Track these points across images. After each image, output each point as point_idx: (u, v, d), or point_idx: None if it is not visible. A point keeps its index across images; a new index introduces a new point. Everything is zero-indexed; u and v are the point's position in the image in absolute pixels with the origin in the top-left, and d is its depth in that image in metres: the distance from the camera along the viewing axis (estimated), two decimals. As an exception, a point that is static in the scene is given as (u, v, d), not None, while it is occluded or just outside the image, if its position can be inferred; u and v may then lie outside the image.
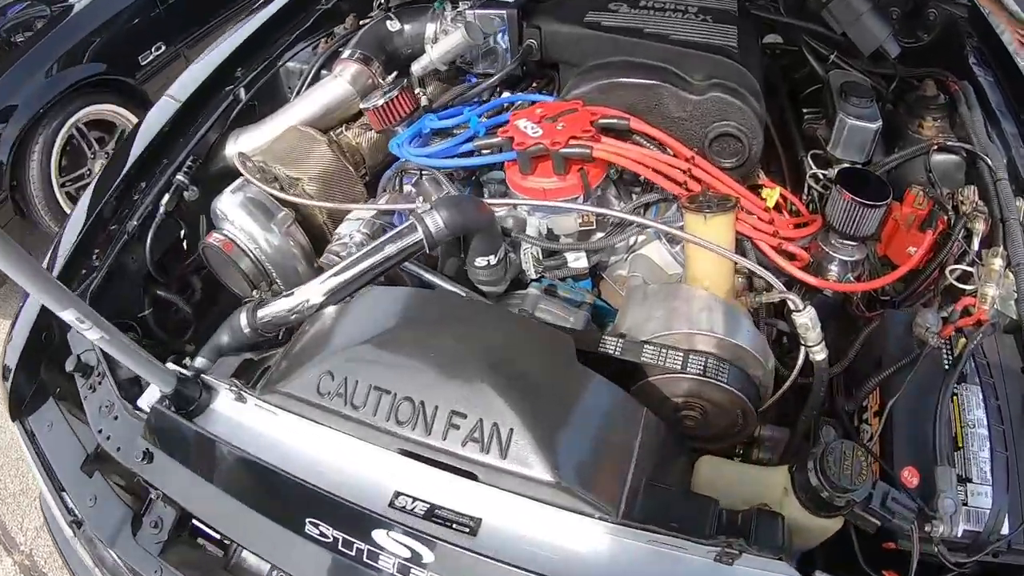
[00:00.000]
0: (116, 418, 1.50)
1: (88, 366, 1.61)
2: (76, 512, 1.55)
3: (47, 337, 1.77)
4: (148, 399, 1.46)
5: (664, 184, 1.63)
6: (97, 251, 1.92)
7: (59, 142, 4.54)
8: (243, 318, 1.58)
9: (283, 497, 1.24)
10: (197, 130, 2.17)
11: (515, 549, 1.10)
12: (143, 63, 5.10)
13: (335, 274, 1.51)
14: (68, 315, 1.10)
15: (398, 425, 1.20)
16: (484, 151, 1.77)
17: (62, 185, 4.58)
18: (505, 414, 1.15)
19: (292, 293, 1.55)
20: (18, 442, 1.72)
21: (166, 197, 1.99)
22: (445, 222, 1.47)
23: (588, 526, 1.10)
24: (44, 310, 1.76)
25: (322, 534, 1.17)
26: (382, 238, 1.53)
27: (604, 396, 1.26)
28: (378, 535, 1.14)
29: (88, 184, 4.38)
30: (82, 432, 1.61)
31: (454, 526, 1.13)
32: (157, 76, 5.11)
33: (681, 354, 1.36)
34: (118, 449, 1.45)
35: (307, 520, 1.18)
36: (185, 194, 2.04)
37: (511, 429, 1.14)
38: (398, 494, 1.18)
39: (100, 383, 1.58)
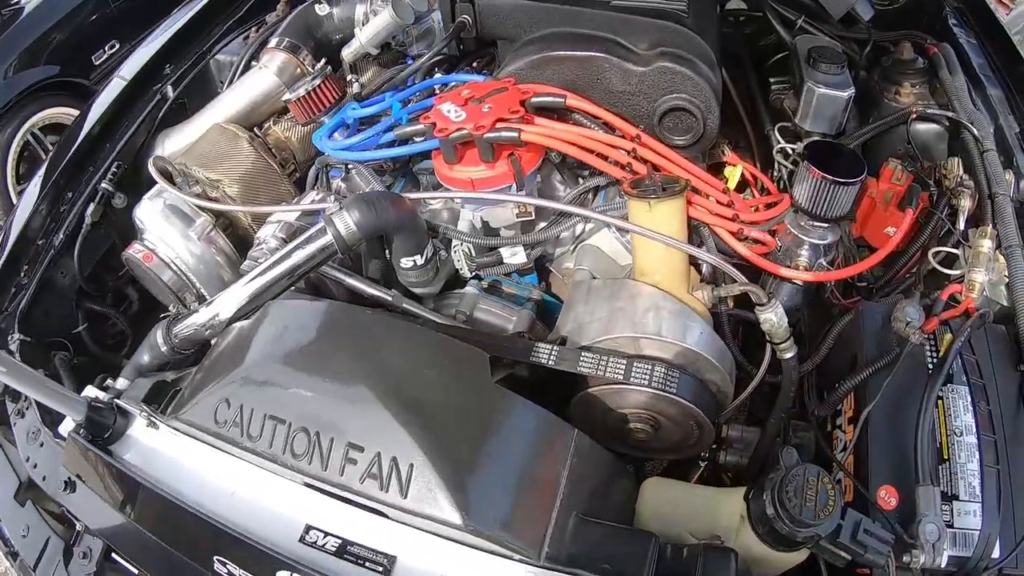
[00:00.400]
0: (42, 445, 1.53)
1: (16, 393, 1.63)
2: (11, 543, 1.55)
3: None
4: (67, 426, 1.44)
5: (605, 168, 1.49)
6: (26, 267, 1.90)
7: (15, 148, 4.52)
8: (159, 335, 1.53)
9: (192, 533, 1.20)
10: (123, 133, 2.14)
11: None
12: (97, 63, 5.06)
13: (246, 283, 1.44)
14: None
15: (294, 458, 1.14)
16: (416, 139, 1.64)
17: (20, 192, 4.45)
18: (405, 447, 1.07)
19: (203, 308, 1.50)
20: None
21: (91, 207, 1.96)
22: (357, 223, 1.36)
23: (508, 569, 1.02)
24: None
25: (229, 573, 1.13)
26: (291, 244, 1.42)
27: (526, 420, 1.15)
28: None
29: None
30: (16, 459, 1.62)
31: (367, 564, 1.07)
32: (111, 76, 5.07)
33: (624, 362, 1.23)
34: (44, 478, 1.48)
35: (215, 558, 1.14)
36: (113, 201, 2.01)
37: (411, 464, 1.05)
38: (309, 528, 1.12)
39: (27, 408, 1.60)
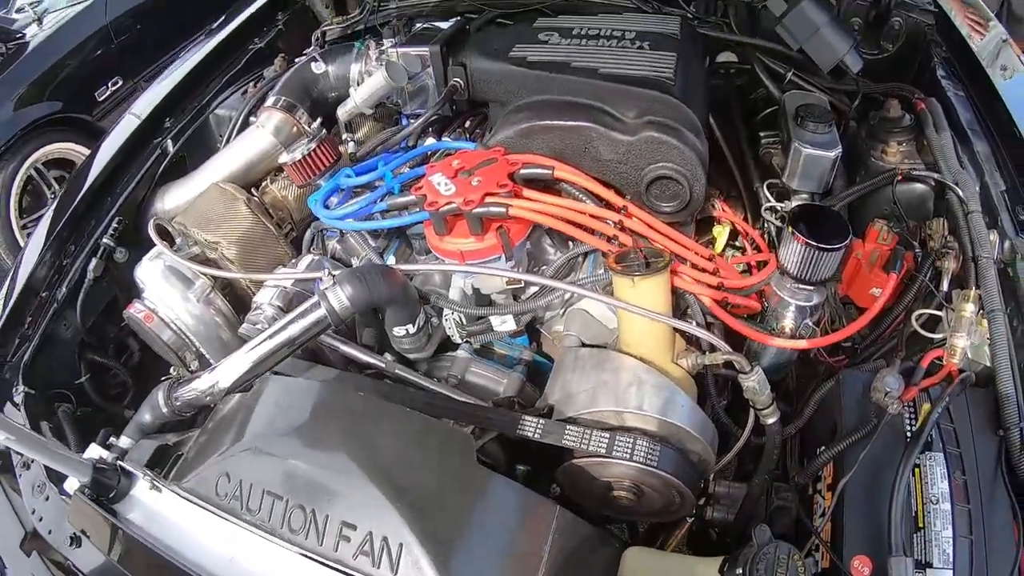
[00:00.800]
0: (47, 499, 1.59)
1: None
2: None
3: None
4: (73, 484, 1.50)
5: (591, 241, 1.57)
6: (30, 319, 1.97)
7: (18, 182, 4.64)
8: (161, 397, 1.58)
9: None
10: (124, 187, 2.21)
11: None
12: (100, 99, 5.22)
13: (244, 354, 1.51)
14: None
15: (291, 533, 1.21)
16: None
17: (23, 226, 4.67)
18: (395, 526, 1.14)
19: (206, 374, 1.56)
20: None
21: (94, 261, 2.04)
22: (350, 298, 1.46)
23: None
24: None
25: None
26: (287, 318, 1.51)
27: (508, 499, 1.23)
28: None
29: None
30: (21, 508, 1.66)
31: None
32: (114, 112, 5.22)
33: (607, 436, 1.30)
34: (49, 532, 1.54)
35: None
36: (115, 256, 2.10)
37: (400, 544, 1.13)
38: None
39: (33, 461, 1.66)
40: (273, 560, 1.23)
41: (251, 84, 2.57)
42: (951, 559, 1.16)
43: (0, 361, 1.90)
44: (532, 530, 1.19)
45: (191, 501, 1.34)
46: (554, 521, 1.20)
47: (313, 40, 2.75)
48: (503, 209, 1.50)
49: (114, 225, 2.13)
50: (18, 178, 4.67)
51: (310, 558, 1.20)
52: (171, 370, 1.94)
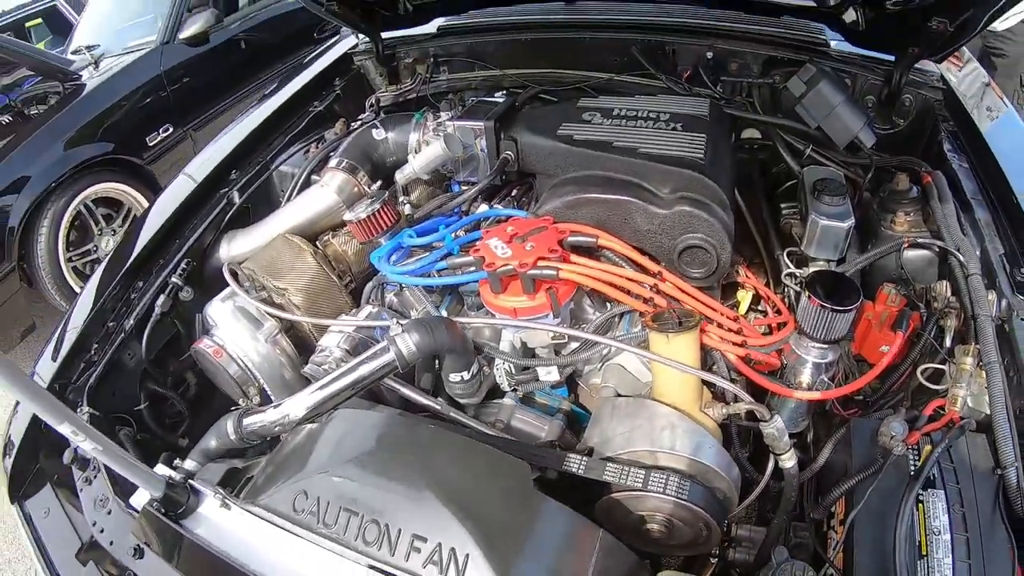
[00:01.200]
0: (110, 512, 1.66)
1: (84, 459, 1.79)
2: None
3: (44, 428, 1.93)
4: (140, 499, 1.59)
5: (629, 302, 1.77)
6: (96, 346, 2.10)
7: (67, 217, 4.88)
8: (230, 426, 1.74)
9: None
10: (192, 232, 2.39)
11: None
12: (150, 144, 5.46)
13: (316, 391, 1.69)
14: (64, 428, 1.25)
15: (365, 545, 1.35)
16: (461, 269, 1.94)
17: (69, 259, 4.93)
18: (462, 539, 1.29)
19: (276, 407, 1.73)
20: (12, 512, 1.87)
21: (161, 298, 2.20)
22: (417, 345, 1.64)
23: None
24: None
25: None
26: (358, 359, 1.70)
27: (560, 521, 1.38)
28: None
29: (93, 261, 5.00)
30: (78, 521, 1.75)
31: None
32: (164, 157, 5.51)
33: (643, 472, 1.48)
34: (111, 543, 1.62)
35: None
36: (180, 294, 2.25)
37: (467, 555, 1.27)
38: None
39: (95, 476, 1.75)
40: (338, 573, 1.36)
41: (313, 145, 2.79)
42: (951, 582, 1.29)
43: (64, 383, 2.02)
44: (580, 549, 1.35)
45: (263, 517, 1.45)
46: (598, 543, 1.36)
47: (367, 106, 3.02)
48: (554, 272, 1.71)
49: (183, 265, 2.29)
50: (68, 213, 4.87)
51: (375, 568, 1.33)
52: (240, 401, 2.08)
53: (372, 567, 1.34)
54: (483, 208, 2.18)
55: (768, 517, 1.65)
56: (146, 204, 5.33)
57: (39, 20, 9.91)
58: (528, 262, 1.72)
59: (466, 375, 1.79)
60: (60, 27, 9.22)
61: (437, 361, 1.86)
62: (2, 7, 11.31)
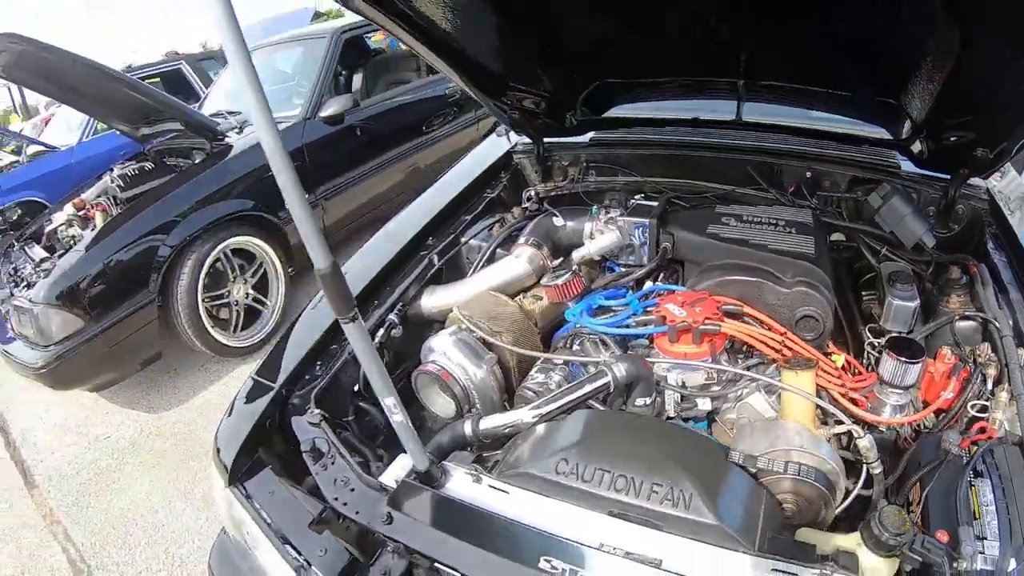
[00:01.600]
0: (353, 490, 1.94)
1: (319, 451, 2.07)
2: (301, 560, 1.88)
3: (270, 424, 2.25)
4: (389, 476, 1.92)
5: (766, 351, 2.32)
6: (319, 363, 2.44)
7: (208, 263, 5.39)
8: (467, 426, 2.15)
9: (519, 542, 1.68)
10: (400, 282, 2.83)
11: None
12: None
13: (544, 403, 2.15)
14: (388, 401, 1.57)
15: (616, 492, 1.76)
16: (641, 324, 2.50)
17: (203, 301, 5.39)
18: (685, 484, 1.74)
19: (507, 413, 2.17)
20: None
21: (380, 332, 2.60)
22: (627, 371, 2.15)
23: (732, 557, 1.65)
24: (272, 402, 2.29)
25: (553, 567, 1.62)
26: (580, 379, 2.22)
27: (743, 480, 1.87)
28: (593, 566, 1.63)
29: (224, 304, 5.75)
30: (301, 499, 1.98)
31: (643, 564, 1.64)
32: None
33: (783, 462, 1.90)
34: (357, 512, 1.85)
35: (541, 557, 1.65)
36: (393, 331, 2.65)
37: (691, 494, 1.72)
38: (602, 544, 1.68)
39: (332, 463, 2.02)
40: (577, 520, 1.70)
41: (496, 224, 3.27)
42: (998, 535, 1.63)
43: (290, 387, 2.32)
44: (755, 497, 1.80)
45: (515, 484, 1.77)
46: (764, 497, 1.82)
47: (524, 197, 3.47)
48: (718, 327, 2.27)
49: (399, 307, 2.68)
50: (208, 260, 5.38)
51: (612, 514, 1.71)
52: (471, 410, 2.44)
53: (610, 513, 1.74)
54: (647, 284, 2.75)
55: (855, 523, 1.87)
56: (277, 260, 6.00)
57: (157, 79, 10.85)
58: (699, 320, 2.26)
59: (647, 400, 2.21)
60: (174, 88, 10.09)
61: (625, 393, 2.22)
62: (130, 61, 11.92)
